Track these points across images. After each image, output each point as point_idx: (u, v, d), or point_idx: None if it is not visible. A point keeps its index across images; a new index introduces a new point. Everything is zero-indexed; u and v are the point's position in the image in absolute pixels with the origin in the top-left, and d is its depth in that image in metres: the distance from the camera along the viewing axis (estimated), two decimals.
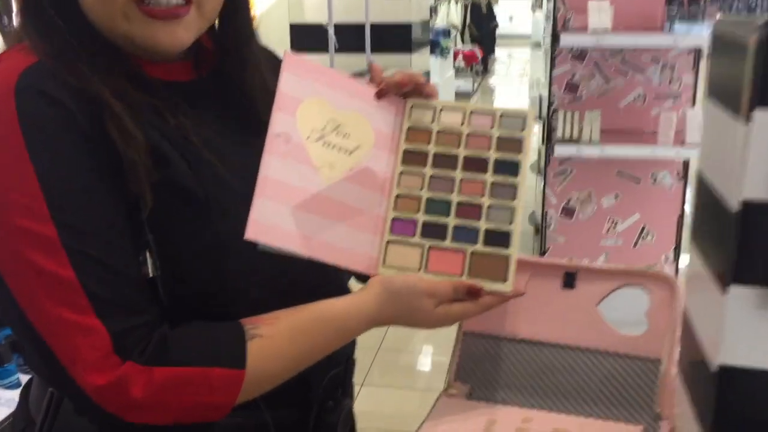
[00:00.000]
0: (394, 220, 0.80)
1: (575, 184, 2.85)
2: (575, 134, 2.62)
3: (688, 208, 2.94)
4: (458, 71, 10.44)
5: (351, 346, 0.91)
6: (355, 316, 0.77)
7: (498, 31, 13.76)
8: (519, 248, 0.80)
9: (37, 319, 0.67)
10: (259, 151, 0.76)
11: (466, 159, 0.83)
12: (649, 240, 2.92)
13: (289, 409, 0.82)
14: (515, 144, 0.82)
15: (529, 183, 0.85)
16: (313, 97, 0.79)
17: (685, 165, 2.83)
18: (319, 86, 0.80)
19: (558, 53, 2.79)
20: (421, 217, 0.80)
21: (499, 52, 14.88)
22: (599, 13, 2.46)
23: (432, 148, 0.83)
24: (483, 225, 0.79)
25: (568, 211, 2.92)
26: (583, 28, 2.67)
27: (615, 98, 2.82)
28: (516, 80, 12.86)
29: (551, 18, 2.78)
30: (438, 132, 0.84)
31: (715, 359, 0.50)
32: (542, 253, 3.00)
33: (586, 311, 0.88)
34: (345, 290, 0.82)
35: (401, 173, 0.82)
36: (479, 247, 0.78)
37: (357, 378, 0.94)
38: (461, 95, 9.93)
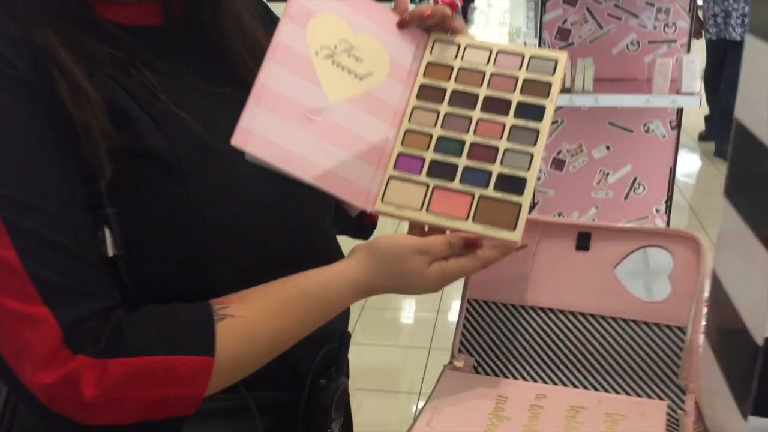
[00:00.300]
0: (400, 155, 0.75)
1: (566, 135, 2.78)
2: (567, 83, 2.53)
3: (680, 160, 2.89)
4: None
5: (344, 320, 0.83)
6: (338, 287, 0.69)
7: None
8: None
9: None
10: (241, 106, 0.67)
11: (487, 99, 0.78)
12: (641, 192, 2.88)
13: (277, 391, 0.75)
14: (542, 87, 0.77)
15: None
16: (329, 13, 0.75)
17: (679, 114, 2.77)
18: (337, 3, 0.76)
19: None
20: (430, 155, 0.75)
21: (479, 1, 14.74)
22: None
23: (451, 86, 0.78)
24: (496, 169, 0.74)
25: (558, 163, 2.86)
26: None
27: (608, 44, 2.74)
28: (496, 30, 12.76)
29: None
30: (460, 69, 0.79)
31: (761, 330, 0.46)
32: (532, 206, 2.93)
33: (603, 275, 0.82)
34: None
35: (414, 108, 0.78)
36: (489, 191, 0.73)
37: None
38: None
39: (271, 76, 0.69)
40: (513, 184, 0.72)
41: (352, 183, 0.72)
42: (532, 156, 0.74)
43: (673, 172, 2.82)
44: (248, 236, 0.71)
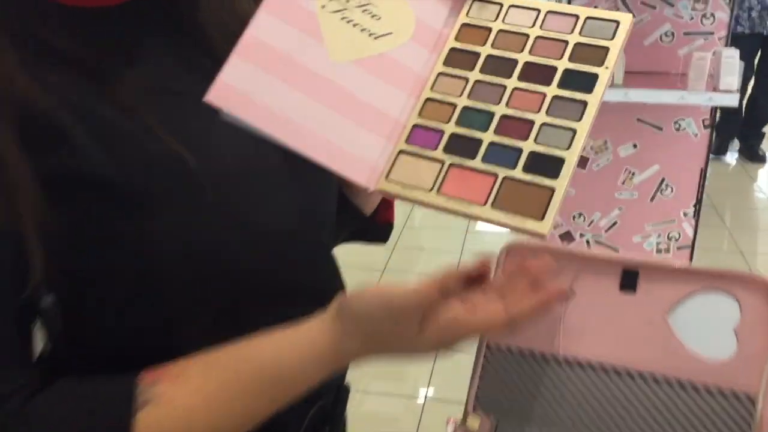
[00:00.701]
0: (415, 127, 0.65)
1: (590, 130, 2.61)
2: None
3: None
4: None
5: (341, 372, 0.68)
6: (297, 358, 0.55)
7: None
8: None
9: None
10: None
11: (528, 65, 0.67)
12: (668, 194, 2.73)
13: None
14: (597, 53, 0.66)
15: None
16: None
17: (713, 112, 2.61)
18: None
19: None
20: (451, 128, 0.65)
21: None
22: None
23: (486, 50, 0.68)
24: (529, 146, 0.63)
25: (581, 161, 2.69)
26: None
27: (640, 35, 2.57)
28: None
29: None
30: (499, 32, 0.69)
31: None
32: None
33: (652, 323, 0.71)
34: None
35: (439, 74, 0.67)
36: (517, 172, 0.62)
37: None
38: None
39: (262, 27, 0.60)
40: (547, 164, 0.62)
41: (353, 156, 0.62)
42: (574, 132, 0.62)
43: (704, 173, 2.68)
44: (223, 282, 0.58)
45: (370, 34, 0.65)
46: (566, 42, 0.68)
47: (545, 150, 0.62)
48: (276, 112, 0.58)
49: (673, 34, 2.57)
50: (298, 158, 0.58)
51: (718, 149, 5.05)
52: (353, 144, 0.62)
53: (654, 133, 2.67)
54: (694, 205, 2.73)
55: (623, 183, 2.74)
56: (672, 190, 2.73)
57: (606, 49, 0.66)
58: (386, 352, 0.56)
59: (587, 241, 2.78)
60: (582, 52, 0.67)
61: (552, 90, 0.65)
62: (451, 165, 0.63)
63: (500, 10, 0.70)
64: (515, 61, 0.67)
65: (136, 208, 0.53)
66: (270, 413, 0.55)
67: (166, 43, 0.62)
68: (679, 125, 2.65)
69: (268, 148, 0.58)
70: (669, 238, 2.74)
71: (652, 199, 2.74)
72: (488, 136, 0.64)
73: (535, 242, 0.74)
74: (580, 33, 0.68)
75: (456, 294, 0.56)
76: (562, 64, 0.67)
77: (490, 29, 0.69)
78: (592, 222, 2.77)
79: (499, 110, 0.65)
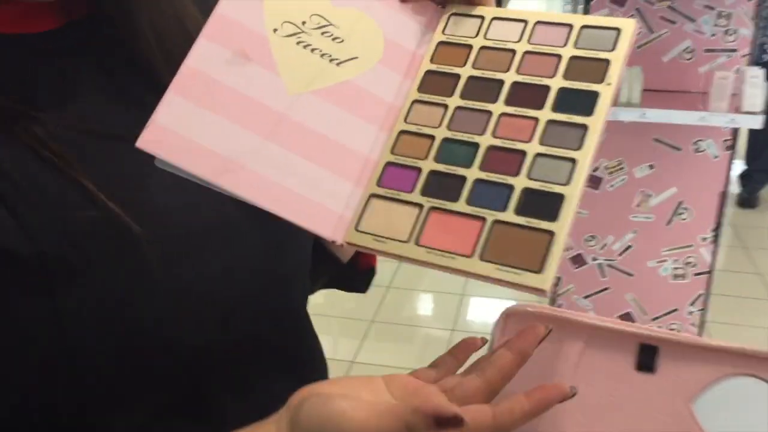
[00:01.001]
0: (388, 165, 0.57)
1: (604, 149, 2.52)
2: None
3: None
4: None
5: None
6: None
7: None
8: None
9: None
10: None
11: (515, 86, 0.58)
12: (685, 218, 2.63)
13: None
14: (596, 68, 0.57)
15: None
16: None
17: (734, 133, 2.51)
18: None
19: None
20: (429, 165, 0.56)
21: None
22: None
23: (467, 71, 0.59)
24: (521, 182, 0.54)
25: (594, 180, 2.62)
26: None
27: (658, 51, 2.48)
28: None
29: None
30: (481, 49, 0.60)
31: None
32: None
33: (673, 410, 0.62)
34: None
35: (414, 102, 0.59)
36: (509, 214, 0.53)
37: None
38: None
39: (205, 57, 0.51)
40: (544, 203, 0.53)
41: (317, 204, 0.53)
42: (574, 163, 0.53)
43: (724, 197, 2.57)
44: (166, 366, 0.49)
45: (332, 60, 0.56)
46: (559, 56, 0.59)
47: (541, 186, 0.53)
48: (223, 157, 0.50)
49: (693, 50, 2.48)
50: (255, 208, 0.49)
51: (745, 201, 4.63)
52: (316, 190, 0.53)
53: (672, 153, 2.57)
54: (713, 230, 2.63)
55: (638, 205, 2.64)
56: (690, 214, 2.63)
57: (606, 62, 0.57)
58: None
59: (599, 265, 2.68)
60: (579, 68, 0.58)
61: (545, 114, 0.56)
62: (431, 209, 0.54)
63: (481, 24, 0.61)
64: (501, 82, 0.59)
65: (52, 282, 0.44)
66: None
67: (99, 74, 0.53)
68: (699, 146, 2.55)
69: (220, 197, 0.50)
70: (686, 264, 2.64)
71: (669, 222, 2.64)
72: (473, 173, 0.55)
73: (539, 306, 0.64)
74: (575, 45, 0.59)
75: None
76: (556, 83, 0.58)
77: (470, 47, 0.60)
78: (605, 245, 2.67)
79: (485, 141, 0.56)
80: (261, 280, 0.57)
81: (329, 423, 0.43)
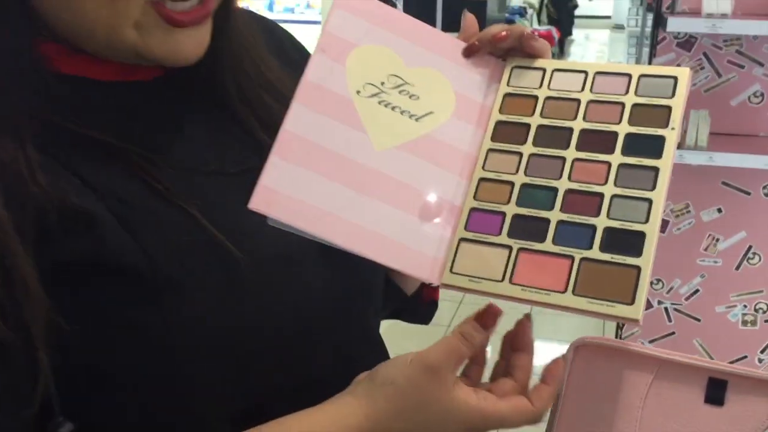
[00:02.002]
0: (472, 211, 0.62)
1: (671, 192, 2.49)
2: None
3: None
4: None
5: None
6: (327, 423, 0.53)
7: (576, 11, 13.60)
8: None
9: None
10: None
11: (584, 133, 0.63)
12: (756, 262, 2.59)
13: None
14: (659, 114, 0.62)
15: None
16: (373, 44, 0.63)
17: None
18: (384, 32, 0.64)
19: (661, 39, 2.46)
20: (512, 209, 0.61)
21: (576, 33, 14.74)
22: None
23: (536, 120, 0.65)
24: (602, 222, 0.59)
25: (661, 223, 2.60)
26: (695, 12, 2.33)
27: (726, 95, 2.48)
28: None
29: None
30: (546, 99, 0.65)
31: None
32: None
33: None
34: None
35: (489, 151, 0.64)
36: (594, 252, 0.57)
37: None
38: None
39: (299, 121, 0.58)
40: (627, 240, 0.57)
41: (411, 249, 0.59)
42: (650, 202, 0.59)
43: None
44: (257, 371, 0.56)
45: (411, 116, 0.62)
46: (623, 104, 0.64)
47: (621, 225, 0.58)
48: (324, 211, 0.56)
49: (762, 94, 2.47)
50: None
51: None
52: (409, 236, 0.59)
53: (741, 197, 2.55)
54: None
55: (706, 249, 2.61)
56: (760, 259, 2.59)
57: (668, 108, 0.62)
58: (419, 418, 0.53)
59: (665, 309, 2.64)
60: (642, 114, 0.63)
61: (616, 158, 0.61)
62: (519, 250, 0.59)
63: (543, 75, 0.66)
64: (570, 130, 0.64)
65: (162, 295, 0.51)
66: None
67: (202, 118, 0.61)
68: None
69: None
70: (756, 310, 2.59)
71: (738, 267, 2.60)
72: (555, 215, 0.60)
73: (607, 340, 0.67)
74: (635, 93, 0.64)
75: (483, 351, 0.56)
76: (623, 129, 0.63)
77: (536, 97, 0.66)
78: (671, 289, 2.64)
79: (562, 185, 0.61)
80: (343, 302, 0.63)
81: (393, 365, 0.52)
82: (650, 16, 3.06)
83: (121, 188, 0.53)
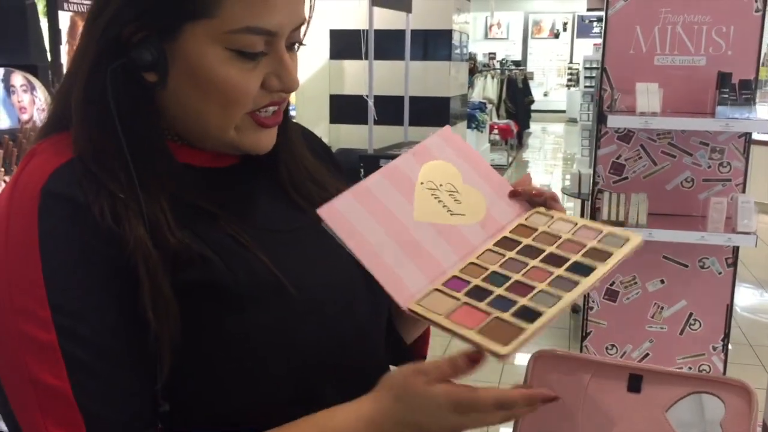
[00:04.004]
0: (453, 277, 0.82)
1: (619, 266, 2.68)
2: (621, 216, 2.57)
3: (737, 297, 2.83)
4: (493, 144, 10.52)
5: None
6: (347, 421, 0.71)
7: (532, 107, 13.89)
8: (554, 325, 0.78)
9: (27, 429, 0.66)
10: (305, 243, 0.77)
11: (550, 254, 0.83)
12: (697, 328, 2.82)
13: None
14: (604, 255, 0.81)
15: None
16: (448, 161, 0.86)
17: (735, 251, 2.75)
18: (458, 159, 0.87)
19: (604, 133, 2.76)
20: (477, 282, 0.81)
21: (534, 126, 15.03)
22: (648, 96, 2.44)
23: (527, 241, 0.86)
24: (523, 301, 0.78)
25: (611, 294, 2.84)
26: (631, 110, 2.64)
27: (662, 180, 2.77)
28: (550, 155, 12.94)
29: (597, 98, 2.77)
30: (542, 232, 0.86)
31: None
32: (584, 336, 2.90)
33: (654, 418, 0.82)
34: None
35: (487, 250, 0.85)
36: (506, 315, 0.77)
37: None
38: (495, 168, 9.88)
39: (374, 182, 0.81)
40: (530, 314, 0.76)
41: (403, 283, 0.79)
42: (559, 299, 0.77)
43: (730, 309, 2.76)
44: (304, 367, 0.75)
45: (449, 211, 0.84)
46: (585, 245, 0.83)
47: (533, 305, 0.77)
48: (364, 238, 0.78)
49: (693, 180, 2.75)
50: (368, 282, 0.78)
51: None
52: (407, 276, 0.80)
53: (680, 270, 2.78)
54: (722, 340, 2.79)
55: (653, 316, 2.82)
56: (700, 325, 2.80)
57: (610, 254, 0.81)
58: (409, 407, 0.70)
59: None
60: (593, 253, 0.82)
61: (559, 271, 0.81)
62: (464, 303, 0.79)
63: (550, 219, 0.88)
64: (543, 250, 0.84)
65: (244, 308, 0.72)
66: None
67: (264, 191, 0.84)
68: (704, 263, 2.77)
69: (343, 274, 0.79)
70: (700, 371, 2.76)
71: (681, 332, 2.81)
72: (500, 291, 0.80)
73: (558, 350, 0.87)
74: (598, 241, 0.83)
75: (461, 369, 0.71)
76: (575, 257, 0.82)
77: (536, 229, 0.87)
78: (624, 353, 2.82)
79: (516, 276, 0.81)
80: (366, 324, 0.84)
81: (403, 368, 0.71)
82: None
83: (220, 241, 0.73)
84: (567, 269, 0.81)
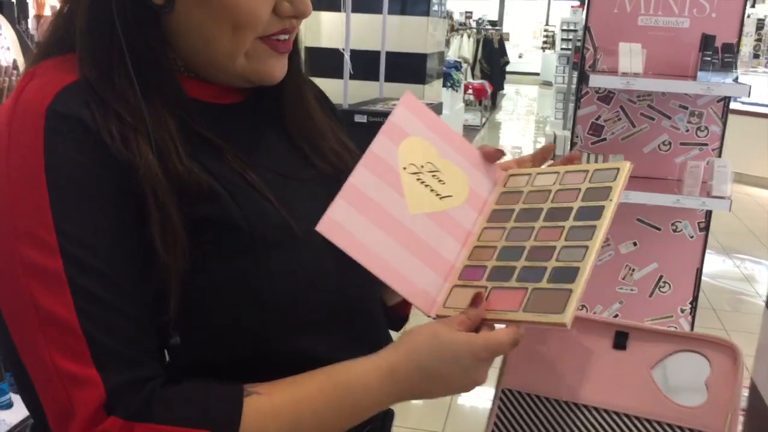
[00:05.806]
0: (465, 267, 0.80)
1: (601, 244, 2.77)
2: None
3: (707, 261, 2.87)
4: (467, 104, 10.47)
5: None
6: (365, 371, 0.71)
7: (507, 68, 13.87)
8: None
9: (29, 361, 0.62)
10: (309, 188, 0.75)
11: (551, 210, 0.81)
12: (666, 291, 2.86)
13: None
14: (603, 191, 0.80)
15: None
16: (420, 137, 0.84)
17: (708, 216, 2.78)
18: (429, 132, 0.84)
19: (584, 93, 2.75)
20: (492, 263, 0.79)
21: (508, 88, 15.06)
22: (631, 57, 2.42)
23: (519, 206, 0.84)
24: (552, 264, 0.76)
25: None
26: (613, 71, 2.63)
27: (640, 143, 2.78)
28: (523, 117, 13.00)
29: (581, 58, 2.74)
30: (529, 192, 0.85)
31: None
32: None
33: (639, 375, 0.82)
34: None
35: (484, 229, 0.84)
36: (543, 284, 0.75)
37: None
38: (469, 129, 9.96)
39: (360, 178, 0.77)
40: (566, 273, 0.74)
41: (417, 286, 0.77)
42: (587, 248, 0.76)
43: (699, 273, 2.81)
44: (311, 310, 0.74)
45: (437, 195, 0.82)
46: (579, 189, 0.82)
47: (564, 264, 0.75)
48: (366, 245, 0.75)
49: (670, 143, 2.76)
50: None
51: None
52: (418, 277, 0.78)
53: (653, 232, 2.81)
54: (690, 303, 2.84)
55: (624, 278, 2.86)
56: (670, 287, 2.84)
57: (610, 188, 0.80)
58: (431, 357, 0.70)
59: None
60: (592, 194, 0.81)
61: (569, 223, 0.79)
62: (493, 288, 0.77)
63: (529, 177, 0.87)
64: (541, 209, 0.83)
65: (254, 249, 0.70)
66: (350, 415, 0.71)
67: (269, 129, 0.81)
68: (677, 227, 2.80)
69: None
70: None
71: (651, 294, 2.85)
72: (521, 263, 0.78)
73: None
74: (590, 181, 0.82)
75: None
76: (577, 204, 0.81)
77: (522, 191, 0.86)
78: (593, 314, 2.86)
79: (529, 244, 0.79)
80: (357, 277, 0.82)
81: (418, 331, 0.71)
82: (576, 74, 3.34)
83: (227, 176, 0.70)
84: (575, 218, 0.79)
